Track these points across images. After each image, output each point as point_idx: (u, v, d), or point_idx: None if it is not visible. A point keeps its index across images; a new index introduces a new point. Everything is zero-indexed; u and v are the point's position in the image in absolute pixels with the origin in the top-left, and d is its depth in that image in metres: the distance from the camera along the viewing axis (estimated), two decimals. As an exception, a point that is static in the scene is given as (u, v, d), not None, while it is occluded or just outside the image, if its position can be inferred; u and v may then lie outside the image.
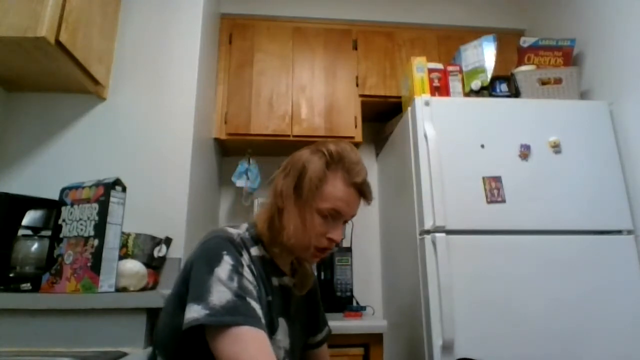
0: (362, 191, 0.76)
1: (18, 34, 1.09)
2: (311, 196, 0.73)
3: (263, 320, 0.64)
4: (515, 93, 1.69)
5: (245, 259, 0.70)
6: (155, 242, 1.30)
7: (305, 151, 0.79)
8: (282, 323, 0.79)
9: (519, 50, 1.79)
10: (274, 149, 2.02)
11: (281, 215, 0.75)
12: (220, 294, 0.62)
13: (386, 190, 2.02)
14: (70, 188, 1.13)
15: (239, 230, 0.77)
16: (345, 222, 0.78)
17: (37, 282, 1.06)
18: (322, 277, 1.81)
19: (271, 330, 0.73)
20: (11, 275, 1.08)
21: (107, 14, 1.49)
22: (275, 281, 0.79)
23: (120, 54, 1.54)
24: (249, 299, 0.64)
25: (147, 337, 0.99)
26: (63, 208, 1.11)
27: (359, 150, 2.10)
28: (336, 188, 0.74)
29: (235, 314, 0.61)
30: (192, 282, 0.66)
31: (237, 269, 0.66)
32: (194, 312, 0.61)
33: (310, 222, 0.73)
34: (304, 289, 0.85)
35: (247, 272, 0.68)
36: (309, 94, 1.97)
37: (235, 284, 0.64)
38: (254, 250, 0.76)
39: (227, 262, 0.66)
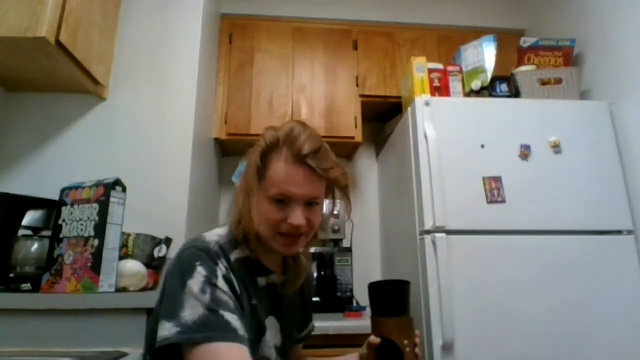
0: (309, 164, 0.69)
1: (18, 34, 1.10)
2: (256, 186, 0.71)
3: (241, 331, 0.62)
4: (515, 93, 1.69)
5: (221, 268, 0.67)
6: (155, 242, 1.30)
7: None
8: (271, 322, 0.77)
9: (519, 50, 1.79)
10: (274, 149, 2.02)
11: (243, 212, 0.73)
12: (192, 309, 0.61)
13: (386, 190, 2.02)
14: (70, 188, 1.13)
15: (221, 233, 0.74)
16: (312, 203, 0.72)
17: (37, 282, 1.06)
18: (322, 276, 1.81)
19: (260, 333, 0.73)
20: (11, 275, 1.08)
21: (107, 14, 1.49)
22: (262, 281, 0.77)
23: (120, 54, 1.54)
24: (222, 312, 0.62)
25: (147, 337, 0.99)
26: (63, 208, 1.11)
27: (358, 150, 2.13)
28: (278, 171, 0.70)
29: (207, 329, 0.60)
30: (165, 297, 0.65)
31: (210, 281, 0.64)
32: (165, 329, 0.60)
33: (264, 210, 0.71)
34: (294, 286, 0.82)
35: (221, 283, 0.65)
36: (309, 94, 1.97)
37: (207, 297, 0.62)
38: (236, 253, 0.73)
39: (199, 273, 0.64)
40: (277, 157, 0.71)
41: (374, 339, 0.73)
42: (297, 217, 0.70)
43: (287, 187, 0.69)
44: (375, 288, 0.75)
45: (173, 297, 0.63)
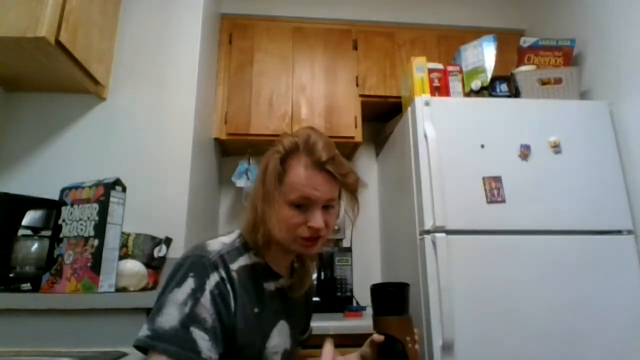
0: (328, 170, 0.72)
1: (18, 34, 1.10)
2: (276, 192, 0.72)
3: (205, 354, 0.62)
4: (515, 93, 1.69)
5: (211, 282, 0.67)
6: (155, 242, 1.31)
7: (269, 150, 0.78)
8: (282, 326, 0.78)
9: (519, 50, 1.79)
10: (274, 149, 2.02)
11: (262, 218, 0.73)
12: (168, 317, 0.63)
13: (386, 190, 2.02)
14: (70, 188, 1.13)
15: (226, 241, 0.75)
16: (328, 207, 0.75)
17: (37, 282, 1.06)
18: (322, 276, 1.81)
19: (263, 341, 0.73)
20: (11, 275, 1.08)
21: (107, 14, 1.49)
22: (271, 286, 0.78)
23: (120, 54, 1.54)
24: (193, 329, 0.62)
25: (147, 337, 0.99)
26: (63, 208, 1.11)
27: (358, 150, 2.13)
28: (298, 176, 0.72)
29: (172, 343, 0.61)
30: (156, 300, 0.67)
31: (195, 294, 0.65)
32: (141, 330, 0.63)
33: (285, 215, 0.72)
34: (301, 290, 0.84)
35: (206, 299, 0.65)
36: (309, 94, 1.97)
37: (186, 310, 0.63)
38: (243, 260, 0.73)
39: (189, 284, 0.65)
40: (297, 163, 0.73)
41: (377, 336, 0.75)
42: (317, 220, 0.72)
43: (309, 191, 0.71)
44: (378, 289, 0.79)
45: (159, 301, 0.66)
